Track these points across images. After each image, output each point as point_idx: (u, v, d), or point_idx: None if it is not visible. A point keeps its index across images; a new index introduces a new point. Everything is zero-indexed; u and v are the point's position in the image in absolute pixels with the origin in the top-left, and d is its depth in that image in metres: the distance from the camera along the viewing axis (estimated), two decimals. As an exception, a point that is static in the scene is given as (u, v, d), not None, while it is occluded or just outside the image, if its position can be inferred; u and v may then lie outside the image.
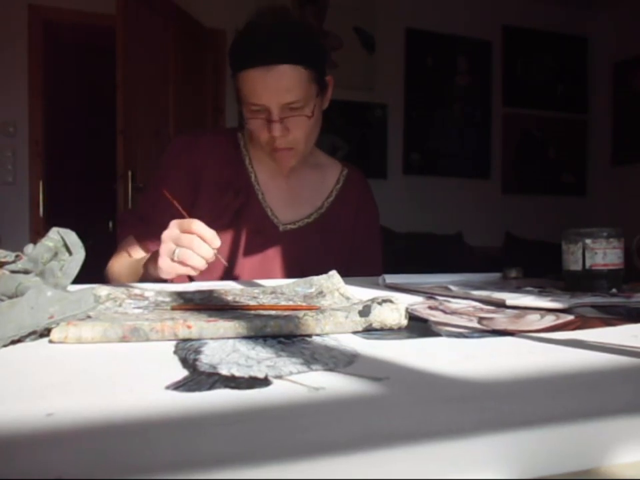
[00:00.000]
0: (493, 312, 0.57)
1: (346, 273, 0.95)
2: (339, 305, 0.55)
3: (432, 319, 0.53)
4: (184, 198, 1.01)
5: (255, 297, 0.62)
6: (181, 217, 1.00)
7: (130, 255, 1.02)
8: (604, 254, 0.72)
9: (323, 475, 0.21)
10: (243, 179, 1.06)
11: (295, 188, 1.10)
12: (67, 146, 4.67)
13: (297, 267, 1.02)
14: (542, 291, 0.70)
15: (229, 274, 1.01)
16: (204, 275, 1.02)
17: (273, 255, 1.05)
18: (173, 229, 0.79)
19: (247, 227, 1.04)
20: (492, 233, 4.23)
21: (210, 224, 1.01)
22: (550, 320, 0.52)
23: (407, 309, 0.48)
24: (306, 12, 3.71)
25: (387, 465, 0.21)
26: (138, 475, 0.19)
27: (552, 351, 0.40)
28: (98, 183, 4.40)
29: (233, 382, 0.31)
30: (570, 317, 0.54)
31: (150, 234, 1.00)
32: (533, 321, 0.51)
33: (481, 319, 0.52)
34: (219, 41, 3.56)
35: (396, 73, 4.08)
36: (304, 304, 0.56)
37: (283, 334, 0.43)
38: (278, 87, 0.92)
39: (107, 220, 3.92)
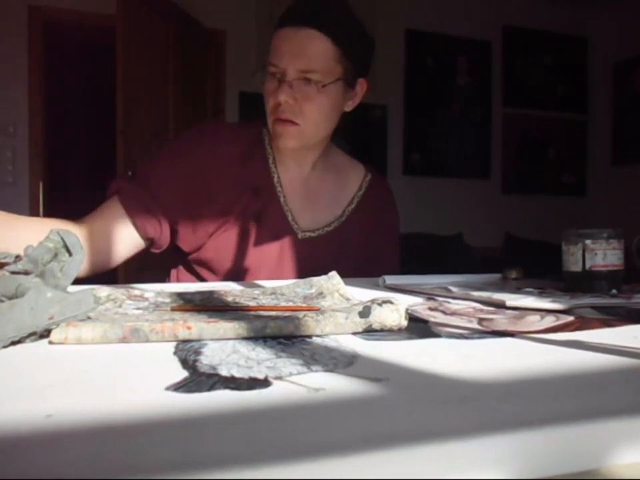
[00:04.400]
0: (492, 313, 0.57)
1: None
2: (339, 305, 0.55)
3: (432, 319, 0.53)
4: (193, 189, 0.95)
5: (254, 298, 0.62)
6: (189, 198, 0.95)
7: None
8: (604, 255, 0.72)
9: (322, 476, 0.21)
10: (265, 179, 1.00)
11: (315, 193, 1.05)
12: (66, 146, 4.68)
13: (312, 274, 0.98)
14: (542, 292, 0.70)
15: (239, 275, 0.98)
16: (217, 276, 1.01)
17: (290, 262, 1.00)
18: None
19: (265, 230, 0.99)
20: (492, 233, 4.23)
21: (229, 223, 0.99)
22: (550, 321, 0.52)
23: (406, 309, 0.48)
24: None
25: (387, 466, 0.22)
26: (138, 475, 0.19)
27: (552, 351, 0.40)
28: (98, 183, 4.40)
29: (233, 383, 0.31)
30: (570, 318, 0.54)
31: (151, 211, 0.91)
32: (533, 322, 0.52)
33: (480, 320, 0.52)
34: (219, 41, 3.56)
35: (396, 73, 4.09)
36: (304, 305, 0.56)
37: (283, 335, 0.43)
38: (300, 49, 0.89)
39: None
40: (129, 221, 0.90)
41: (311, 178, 1.05)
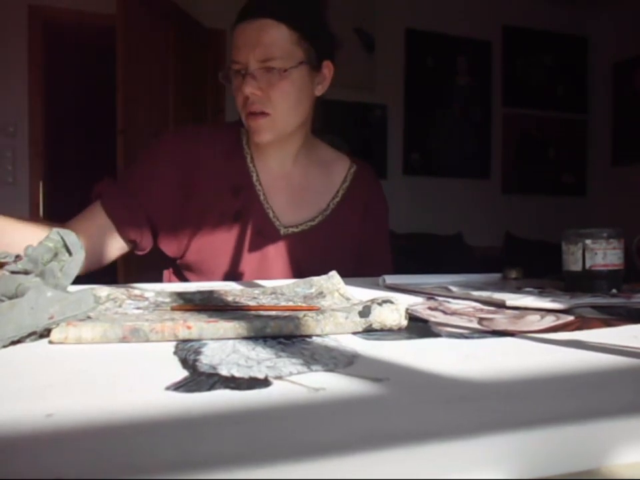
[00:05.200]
0: (493, 312, 0.57)
1: (353, 276, 0.93)
2: (339, 305, 0.55)
3: (432, 319, 0.53)
4: (171, 192, 0.96)
5: (254, 298, 0.62)
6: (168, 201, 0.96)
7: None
8: (604, 254, 0.72)
9: (322, 475, 0.21)
10: (244, 178, 1.00)
11: (298, 188, 1.04)
12: (66, 146, 4.68)
13: (298, 271, 0.98)
14: (542, 292, 0.70)
15: (228, 277, 0.98)
16: (203, 278, 1.01)
17: (274, 259, 1.00)
18: None
19: (246, 230, 0.99)
20: (492, 233, 4.23)
21: (210, 224, 0.99)
22: (550, 320, 0.52)
23: (407, 309, 0.48)
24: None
25: (387, 465, 0.22)
26: (138, 475, 0.19)
27: (552, 351, 0.40)
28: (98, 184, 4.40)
29: (233, 382, 0.31)
30: (570, 318, 0.54)
31: (132, 214, 0.93)
32: (533, 322, 0.52)
33: (481, 320, 0.52)
34: (219, 41, 3.56)
35: (396, 73, 4.09)
36: (304, 304, 0.56)
37: (283, 334, 0.43)
38: (257, 39, 0.90)
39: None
40: (111, 224, 0.92)
41: (293, 173, 1.04)
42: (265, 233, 1.00)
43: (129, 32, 2.76)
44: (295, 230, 1.02)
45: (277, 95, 0.92)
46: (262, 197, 1.01)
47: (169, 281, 1.07)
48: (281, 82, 0.92)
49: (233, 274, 0.99)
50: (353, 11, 3.87)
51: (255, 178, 1.01)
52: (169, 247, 0.98)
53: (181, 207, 0.96)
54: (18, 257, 0.48)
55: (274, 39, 0.90)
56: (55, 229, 0.50)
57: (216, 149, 1.00)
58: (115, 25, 2.76)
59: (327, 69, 0.99)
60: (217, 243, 0.98)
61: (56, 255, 0.49)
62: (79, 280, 0.53)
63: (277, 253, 1.00)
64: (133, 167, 1.00)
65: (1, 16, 3.18)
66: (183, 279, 1.04)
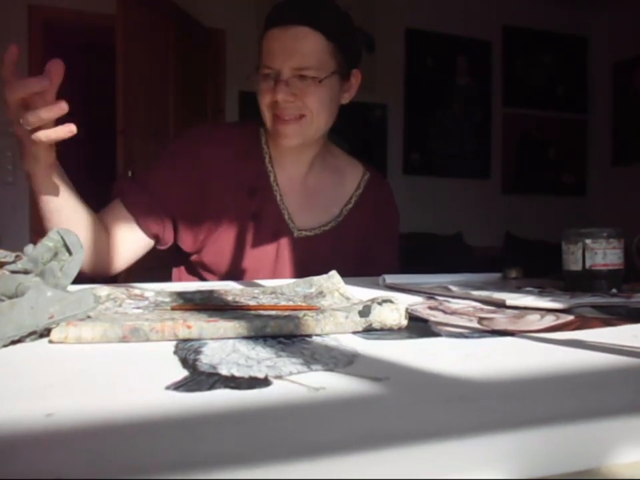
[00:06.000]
0: (492, 312, 0.57)
1: (356, 276, 0.93)
2: (339, 305, 0.55)
3: (432, 319, 0.53)
4: (190, 189, 0.96)
5: (254, 297, 0.62)
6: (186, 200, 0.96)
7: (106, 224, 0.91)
8: (604, 254, 0.72)
9: (322, 475, 0.21)
10: (261, 179, 1.01)
11: (313, 192, 1.05)
12: (67, 146, 4.66)
13: (308, 273, 0.98)
14: (542, 291, 0.70)
15: (239, 275, 0.98)
16: (216, 277, 1.01)
17: (285, 260, 1.00)
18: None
19: (262, 230, 0.99)
20: (492, 233, 4.23)
21: (226, 223, 1.00)
22: (550, 320, 0.52)
23: (407, 309, 0.48)
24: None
25: (387, 465, 0.22)
26: (138, 475, 0.19)
27: (552, 351, 0.40)
28: (98, 183, 4.40)
29: (233, 382, 0.31)
30: (570, 317, 0.54)
31: (152, 209, 0.93)
32: (533, 321, 0.52)
33: (481, 319, 0.52)
34: (219, 41, 3.56)
35: (396, 73, 4.09)
36: (304, 304, 0.56)
37: (283, 334, 0.43)
38: (293, 48, 0.89)
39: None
40: (133, 220, 0.92)
41: (308, 177, 1.05)
42: (279, 235, 1.01)
43: (128, 32, 2.76)
44: (309, 234, 1.03)
45: (312, 100, 0.93)
46: (278, 198, 1.01)
47: (179, 279, 1.08)
48: (314, 90, 0.92)
49: (247, 274, 0.99)
50: (353, 11, 3.86)
51: (272, 179, 1.02)
52: (187, 244, 0.99)
53: (198, 205, 0.97)
54: (18, 257, 0.48)
55: (311, 49, 0.90)
56: (55, 228, 0.50)
57: (232, 148, 1.00)
58: (115, 24, 2.76)
59: (355, 77, 1.00)
60: (232, 243, 0.99)
61: (56, 254, 0.49)
62: (79, 279, 0.53)
63: (288, 254, 1.01)
64: (151, 166, 0.99)
65: (1, 16, 3.18)
66: (193, 277, 1.04)
